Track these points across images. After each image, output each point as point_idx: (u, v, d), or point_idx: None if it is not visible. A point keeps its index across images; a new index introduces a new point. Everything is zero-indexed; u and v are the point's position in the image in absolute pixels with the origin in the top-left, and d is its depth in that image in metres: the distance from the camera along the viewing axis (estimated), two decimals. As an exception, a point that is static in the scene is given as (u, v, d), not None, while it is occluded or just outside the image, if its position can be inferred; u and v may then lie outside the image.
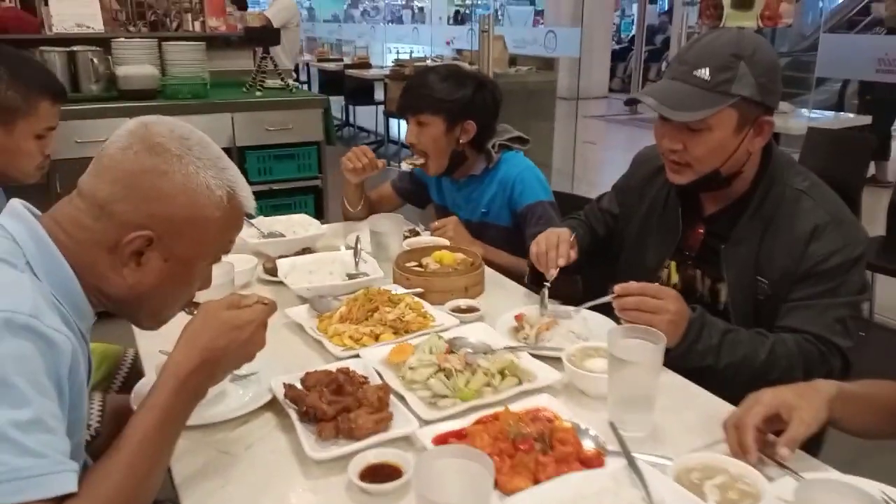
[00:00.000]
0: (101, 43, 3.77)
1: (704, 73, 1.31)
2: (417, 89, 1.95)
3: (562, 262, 1.51)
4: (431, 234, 1.93)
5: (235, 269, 1.66)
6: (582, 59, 5.62)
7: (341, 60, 9.87)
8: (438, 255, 1.70)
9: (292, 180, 3.89)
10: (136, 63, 3.68)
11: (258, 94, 3.87)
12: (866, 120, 5.26)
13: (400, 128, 8.43)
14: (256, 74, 3.94)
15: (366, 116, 9.46)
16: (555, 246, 1.53)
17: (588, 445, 1.01)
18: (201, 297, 1.06)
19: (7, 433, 0.75)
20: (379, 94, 8.75)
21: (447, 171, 2.01)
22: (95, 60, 3.51)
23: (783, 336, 1.32)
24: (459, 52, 6.82)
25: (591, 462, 0.98)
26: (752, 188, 1.42)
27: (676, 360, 1.29)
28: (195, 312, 1.01)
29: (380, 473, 0.99)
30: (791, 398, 0.99)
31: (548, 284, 1.51)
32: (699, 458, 0.95)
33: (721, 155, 1.36)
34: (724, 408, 1.17)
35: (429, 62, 6.97)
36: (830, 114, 6.22)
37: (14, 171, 1.61)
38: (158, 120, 0.98)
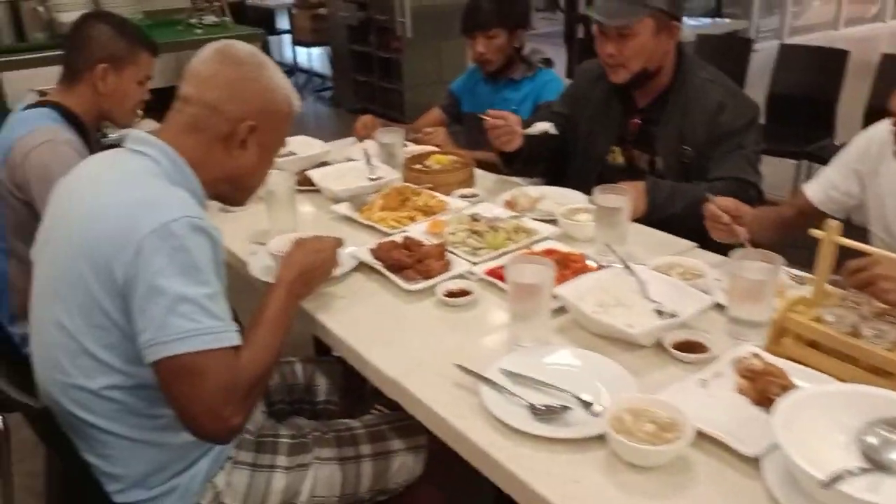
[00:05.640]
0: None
1: None
2: (478, 11, 2.44)
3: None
4: (421, 139, 2.40)
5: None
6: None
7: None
8: (436, 157, 2.14)
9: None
10: (75, 9, 3.78)
11: (198, 31, 4.05)
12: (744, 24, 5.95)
13: (311, 57, 8.56)
14: (193, 12, 4.11)
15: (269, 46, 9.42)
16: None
17: (591, 263, 1.52)
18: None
19: (202, 303, 1.09)
20: (281, 24, 8.76)
21: (496, 72, 2.52)
22: (40, 9, 3.60)
23: (713, 182, 1.81)
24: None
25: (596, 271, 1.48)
26: (671, 83, 1.94)
27: (652, 215, 1.76)
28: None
29: (455, 295, 1.46)
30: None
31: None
32: (665, 259, 1.49)
33: (645, 54, 1.87)
34: (669, 237, 1.71)
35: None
36: (708, 20, 6.90)
37: (118, 112, 1.94)
38: (233, 42, 1.33)
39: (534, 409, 1.08)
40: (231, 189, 1.36)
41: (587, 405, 1.08)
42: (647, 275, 1.40)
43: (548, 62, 2.59)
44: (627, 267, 1.41)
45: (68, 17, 3.68)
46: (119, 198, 1.16)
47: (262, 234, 1.78)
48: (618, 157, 2.07)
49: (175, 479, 1.24)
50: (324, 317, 1.43)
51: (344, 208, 1.90)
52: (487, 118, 1.97)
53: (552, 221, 1.77)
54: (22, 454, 1.93)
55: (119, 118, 2.00)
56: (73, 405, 1.18)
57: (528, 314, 1.25)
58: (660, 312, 1.28)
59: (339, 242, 1.48)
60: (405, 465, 1.44)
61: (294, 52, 8.47)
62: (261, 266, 1.58)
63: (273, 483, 1.32)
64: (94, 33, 1.90)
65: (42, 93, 1.99)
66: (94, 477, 1.21)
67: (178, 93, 1.29)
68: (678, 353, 1.21)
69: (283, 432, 1.40)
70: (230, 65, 1.27)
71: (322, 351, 2.09)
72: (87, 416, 1.18)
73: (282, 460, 1.34)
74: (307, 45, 7.81)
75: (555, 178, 2.24)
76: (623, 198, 1.56)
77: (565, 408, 1.07)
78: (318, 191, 2.05)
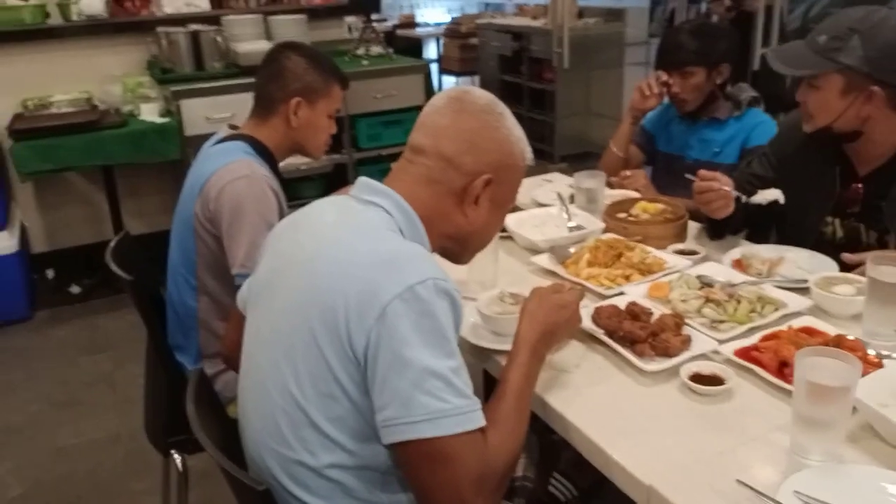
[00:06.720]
0: (209, 21, 3.96)
1: (822, 38, 1.53)
2: (678, 48, 2.21)
3: None
4: (618, 182, 2.18)
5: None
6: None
7: (385, 21, 9.98)
8: (643, 205, 1.92)
9: (400, 146, 4.07)
10: (248, 39, 3.88)
11: (364, 63, 4.05)
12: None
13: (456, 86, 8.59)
14: (359, 43, 4.12)
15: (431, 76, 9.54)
16: None
17: (871, 352, 1.25)
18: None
19: (449, 378, 0.96)
20: (428, 52, 8.84)
21: (696, 111, 2.29)
22: (219, 39, 3.71)
23: None
24: (521, 7, 6.88)
25: (877, 365, 1.21)
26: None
27: None
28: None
29: (704, 380, 1.23)
30: None
31: None
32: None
33: (827, 112, 1.56)
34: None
35: (489, 19, 7.03)
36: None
37: (311, 145, 1.89)
38: (469, 88, 1.21)
39: (862, 560, 0.84)
40: (457, 247, 1.23)
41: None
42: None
43: (757, 101, 2.32)
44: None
45: (243, 47, 3.77)
46: (359, 254, 1.04)
47: (458, 285, 1.63)
48: (836, 231, 1.74)
49: None
50: (552, 398, 1.24)
51: (545, 261, 1.72)
52: (695, 179, 1.72)
53: (799, 290, 1.51)
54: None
55: (311, 151, 1.94)
56: (288, 480, 1.06)
57: (823, 422, 1.01)
58: None
59: (581, 295, 1.31)
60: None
61: (440, 80, 8.53)
62: (467, 324, 1.43)
63: None
64: (289, 65, 1.84)
65: (233, 126, 1.96)
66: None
67: (409, 142, 1.19)
68: None
69: (497, 524, 1.22)
70: (468, 114, 1.16)
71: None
72: (303, 493, 1.05)
73: None
74: (455, 74, 7.82)
75: (759, 237, 1.97)
76: (910, 273, 1.29)
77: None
78: (510, 237, 1.89)
